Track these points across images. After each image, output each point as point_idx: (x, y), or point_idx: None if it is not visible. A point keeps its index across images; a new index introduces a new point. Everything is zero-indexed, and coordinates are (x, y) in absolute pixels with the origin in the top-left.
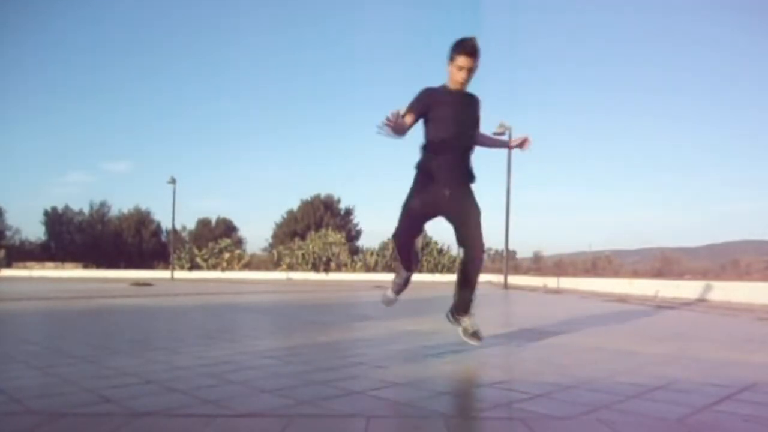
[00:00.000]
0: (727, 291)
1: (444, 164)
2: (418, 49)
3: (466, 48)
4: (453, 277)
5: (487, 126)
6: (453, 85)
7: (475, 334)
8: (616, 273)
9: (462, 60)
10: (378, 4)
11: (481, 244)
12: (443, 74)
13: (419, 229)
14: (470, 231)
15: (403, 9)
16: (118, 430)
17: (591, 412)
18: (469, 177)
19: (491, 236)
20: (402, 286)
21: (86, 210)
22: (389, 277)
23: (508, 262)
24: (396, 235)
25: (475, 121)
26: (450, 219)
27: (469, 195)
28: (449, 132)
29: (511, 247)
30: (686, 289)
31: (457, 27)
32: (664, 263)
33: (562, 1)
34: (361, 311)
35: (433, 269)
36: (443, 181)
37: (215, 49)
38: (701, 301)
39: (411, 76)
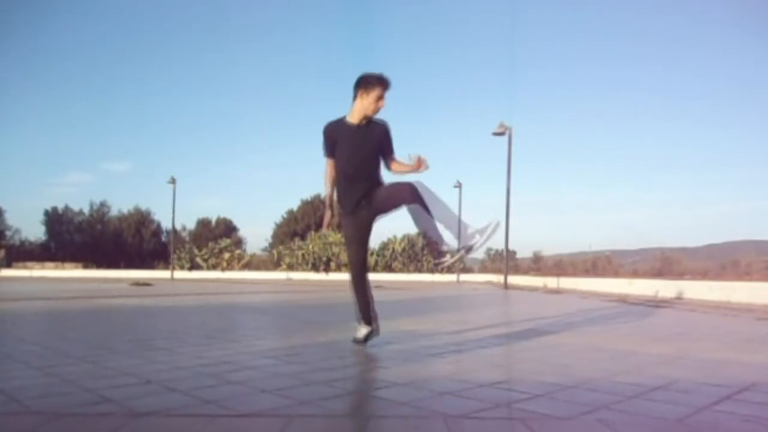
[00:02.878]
0: (727, 291)
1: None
2: (417, 51)
3: (387, 82)
4: (452, 277)
5: (487, 126)
6: (368, 115)
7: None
8: (616, 273)
9: (383, 92)
10: (379, 5)
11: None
12: (448, 74)
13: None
14: None
15: (406, 10)
16: (118, 430)
17: (591, 412)
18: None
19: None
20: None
21: (86, 210)
22: (389, 277)
23: (508, 262)
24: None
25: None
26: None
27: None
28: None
29: (511, 247)
30: (686, 289)
31: (458, 28)
32: (664, 263)
33: (563, 1)
34: None
35: (433, 269)
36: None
37: (216, 50)
38: (701, 301)
39: (412, 77)
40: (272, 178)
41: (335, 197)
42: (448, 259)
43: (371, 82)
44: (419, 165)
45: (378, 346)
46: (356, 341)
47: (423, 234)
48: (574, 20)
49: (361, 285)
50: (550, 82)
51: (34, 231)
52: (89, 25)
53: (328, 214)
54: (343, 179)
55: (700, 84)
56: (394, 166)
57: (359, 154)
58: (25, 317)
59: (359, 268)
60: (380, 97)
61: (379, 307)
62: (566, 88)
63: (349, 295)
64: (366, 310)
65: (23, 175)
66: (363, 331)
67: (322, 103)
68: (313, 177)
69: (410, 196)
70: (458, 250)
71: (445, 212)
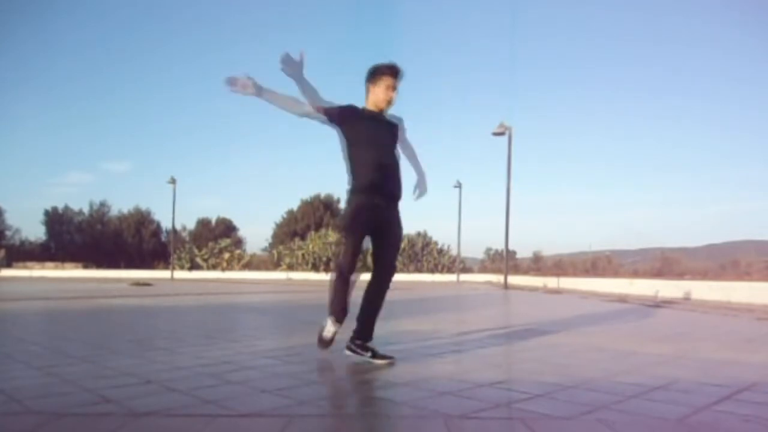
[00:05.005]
0: (727, 291)
1: (378, 180)
2: (417, 51)
3: (395, 69)
4: (452, 277)
5: (487, 125)
6: (381, 107)
7: (385, 356)
8: (616, 273)
9: (391, 81)
10: (378, 4)
11: (395, 268)
12: (448, 73)
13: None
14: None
15: (406, 9)
16: (118, 430)
17: (591, 412)
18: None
19: (492, 236)
20: (329, 342)
21: (86, 210)
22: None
23: (508, 262)
24: (342, 269)
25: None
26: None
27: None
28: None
29: (511, 247)
30: (686, 289)
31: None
32: (664, 263)
33: (563, 2)
34: None
35: (433, 269)
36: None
37: (215, 50)
38: (701, 301)
39: (412, 78)
40: (272, 178)
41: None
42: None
43: (379, 72)
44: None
45: (378, 346)
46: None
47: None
48: (574, 20)
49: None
50: (551, 82)
51: (34, 231)
52: (89, 25)
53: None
54: (374, 168)
55: (700, 84)
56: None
57: (390, 145)
58: (25, 317)
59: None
60: (389, 87)
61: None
62: (567, 87)
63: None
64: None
65: (23, 175)
66: (332, 329)
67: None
68: (313, 177)
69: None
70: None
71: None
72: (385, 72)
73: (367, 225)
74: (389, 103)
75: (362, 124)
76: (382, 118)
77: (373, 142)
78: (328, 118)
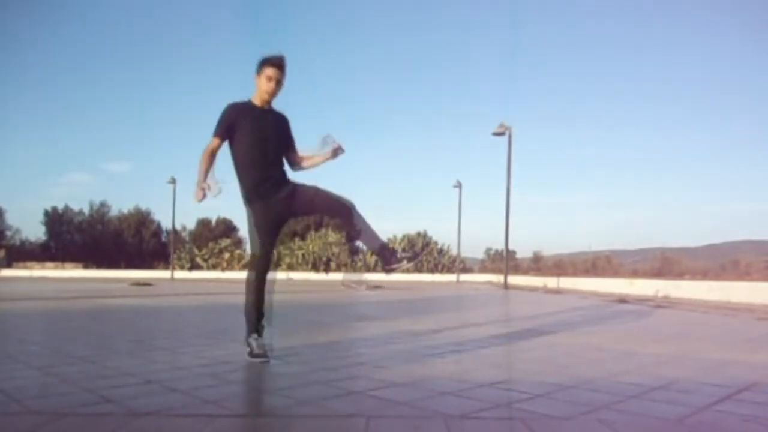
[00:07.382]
0: (727, 291)
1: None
2: (414, 54)
3: (274, 61)
4: (452, 277)
5: (487, 126)
6: (261, 98)
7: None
8: (616, 273)
9: (271, 71)
10: (376, 9)
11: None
12: (450, 75)
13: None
14: None
15: (404, 13)
16: (118, 430)
17: (591, 412)
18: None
19: (492, 236)
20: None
21: (86, 210)
22: (389, 277)
23: (508, 262)
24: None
25: (285, 139)
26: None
27: None
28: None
29: (511, 246)
30: (686, 289)
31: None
32: (664, 263)
33: (564, 6)
34: (361, 311)
35: (433, 269)
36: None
37: (216, 50)
38: (701, 301)
39: (409, 80)
40: None
41: (211, 179)
42: (404, 264)
43: (261, 62)
44: (336, 153)
45: (378, 346)
46: (255, 356)
47: (375, 248)
48: (575, 25)
49: (260, 285)
50: (552, 82)
51: (34, 231)
52: (90, 26)
53: (200, 193)
54: (253, 165)
55: (701, 85)
56: (305, 162)
57: (271, 138)
58: (26, 317)
59: (263, 265)
60: (270, 78)
61: (380, 307)
62: (568, 88)
63: (349, 296)
64: (257, 316)
65: (23, 175)
66: (254, 344)
67: (322, 105)
68: (313, 177)
69: (348, 220)
70: (414, 256)
71: (373, 238)
72: (266, 62)
73: (277, 225)
74: (270, 94)
75: (245, 121)
76: (268, 111)
77: (256, 139)
78: (221, 140)
